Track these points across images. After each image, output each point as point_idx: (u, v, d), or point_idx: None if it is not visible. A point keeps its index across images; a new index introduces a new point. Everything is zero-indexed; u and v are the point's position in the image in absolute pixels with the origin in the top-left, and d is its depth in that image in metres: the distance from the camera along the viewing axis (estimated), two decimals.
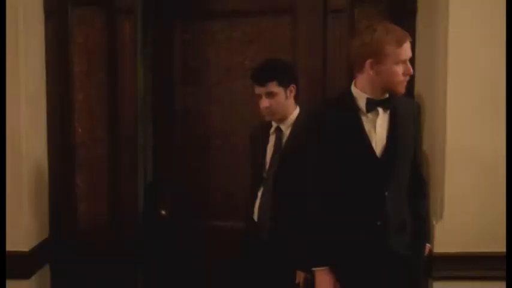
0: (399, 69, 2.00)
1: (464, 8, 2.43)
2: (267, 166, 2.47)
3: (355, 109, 2.07)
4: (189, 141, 2.88)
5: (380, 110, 2.06)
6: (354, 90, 2.10)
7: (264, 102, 2.39)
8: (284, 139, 2.45)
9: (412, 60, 2.67)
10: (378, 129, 2.06)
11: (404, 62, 2.01)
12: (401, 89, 2.05)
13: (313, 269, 2.12)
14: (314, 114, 2.17)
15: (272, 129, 2.50)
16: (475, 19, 2.43)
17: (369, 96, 2.05)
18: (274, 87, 2.37)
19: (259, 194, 2.48)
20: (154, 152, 2.89)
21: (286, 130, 2.45)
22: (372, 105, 2.05)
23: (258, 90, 2.40)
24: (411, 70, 2.03)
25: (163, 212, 2.83)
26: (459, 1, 2.44)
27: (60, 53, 2.76)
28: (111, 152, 2.81)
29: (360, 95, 2.07)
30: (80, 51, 2.78)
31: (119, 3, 2.71)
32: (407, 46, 2.01)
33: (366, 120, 2.06)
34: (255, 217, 2.49)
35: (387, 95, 2.07)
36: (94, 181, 2.83)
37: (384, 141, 2.06)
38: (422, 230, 2.19)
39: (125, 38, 2.73)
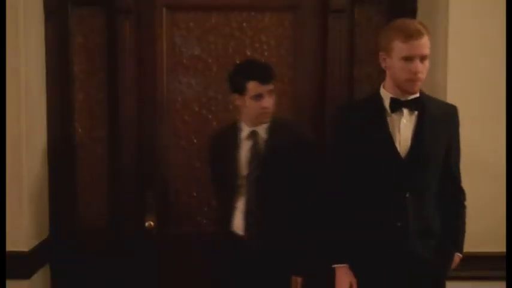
0: (404, 65, 1.96)
1: (464, 8, 2.44)
2: (245, 173, 2.33)
3: (381, 109, 2.05)
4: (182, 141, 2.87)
5: (405, 110, 2.04)
6: (382, 91, 2.09)
7: (267, 102, 2.28)
8: (261, 142, 2.34)
9: None
10: (402, 129, 2.03)
11: (410, 59, 1.95)
12: (409, 87, 2.00)
13: (334, 266, 2.13)
14: (339, 113, 2.19)
15: (246, 134, 2.36)
16: (475, 19, 2.44)
17: (393, 96, 2.04)
18: (272, 86, 2.30)
19: (240, 204, 2.35)
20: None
21: (264, 133, 2.34)
22: (396, 105, 2.03)
23: (261, 89, 2.27)
24: (417, 68, 1.95)
25: (151, 223, 2.77)
26: (459, 1, 2.44)
27: (60, 53, 2.76)
28: (111, 152, 2.81)
29: (386, 95, 2.06)
30: (80, 51, 2.78)
31: (118, 3, 2.71)
32: (417, 43, 1.94)
33: (390, 121, 2.04)
34: (237, 229, 2.35)
35: (414, 96, 2.04)
36: (94, 181, 2.83)
37: (409, 142, 2.03)
38: (452, 239, 2.14)
39: (125, 38, 2.73)
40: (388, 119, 2.05)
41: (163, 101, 2.81)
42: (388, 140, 2.03)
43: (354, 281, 2.10)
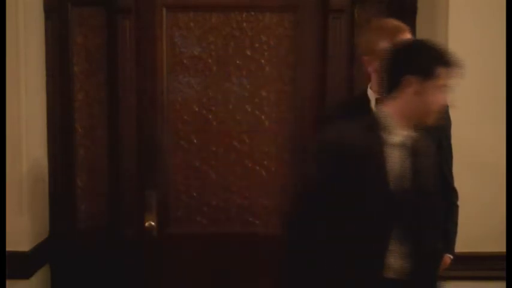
0: None
1: (464, 8, 2.44)
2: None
3: (369, 110, 2.04)
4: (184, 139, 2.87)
5: None
6: (369, 91, 2.10)
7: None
8: (417, 152, 1.84)
9: None
10: None
11: None
12: None
13: None
14: (329, 112, 2.22)
15: (399, 138, 1.80)
16: (475, 19, 2.44)
17: (378, 97, 2.03)
18: None
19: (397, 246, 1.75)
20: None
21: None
22: None
23: (447, 80, 1.78)
24: None
25: (152, 223, 2.76)
26: (459, 1, 2.44)
27: (60, 53, 2.76)
28: (111, 152, 2.81)
29: (372, 96, 2.06)
30: (80, 51, 2.78)
31: (118, 3, 2.71)
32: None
33: None
34: (393, 273, 1.76)
35: None
36: (94, 181, 2.83)
37: None
38: (443, 240, 2.05)
39: (125, 38, 2.73)
40: None
41: (163, 101, 2.81)
42: None
43: None
